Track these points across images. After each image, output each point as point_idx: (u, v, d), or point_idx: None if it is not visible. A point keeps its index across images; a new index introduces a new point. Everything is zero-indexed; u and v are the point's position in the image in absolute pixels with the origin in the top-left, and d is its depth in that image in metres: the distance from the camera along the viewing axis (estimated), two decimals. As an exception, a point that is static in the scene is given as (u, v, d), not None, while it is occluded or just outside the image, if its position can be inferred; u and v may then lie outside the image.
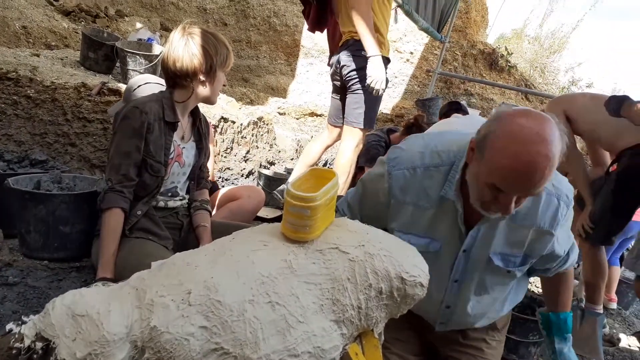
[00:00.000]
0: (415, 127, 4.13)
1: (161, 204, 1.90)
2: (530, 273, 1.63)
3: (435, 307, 1.53)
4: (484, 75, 7.26)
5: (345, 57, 3.01)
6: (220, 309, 0.88)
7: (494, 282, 1.49)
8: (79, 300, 0.83)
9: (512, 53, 7.73)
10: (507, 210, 1.21)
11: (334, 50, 3.29)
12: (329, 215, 1.10)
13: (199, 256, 1.00)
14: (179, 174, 1.92)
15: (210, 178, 2.74)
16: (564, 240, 1.50)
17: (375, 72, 2.80)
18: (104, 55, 3.90)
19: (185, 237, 1.97)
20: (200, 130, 2.00)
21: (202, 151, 2.00)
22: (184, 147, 1.92)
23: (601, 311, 2.91)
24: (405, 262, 1.09)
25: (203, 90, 1.83)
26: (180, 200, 1.97)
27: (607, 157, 3.01)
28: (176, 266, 0.96)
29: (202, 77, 1.78)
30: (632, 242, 3.50)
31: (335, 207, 1.46)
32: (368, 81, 2.83)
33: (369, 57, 2.81)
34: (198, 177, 2.06)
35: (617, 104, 2.30)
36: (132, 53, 3.66)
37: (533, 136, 1.14)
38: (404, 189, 1.41)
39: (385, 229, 1.32)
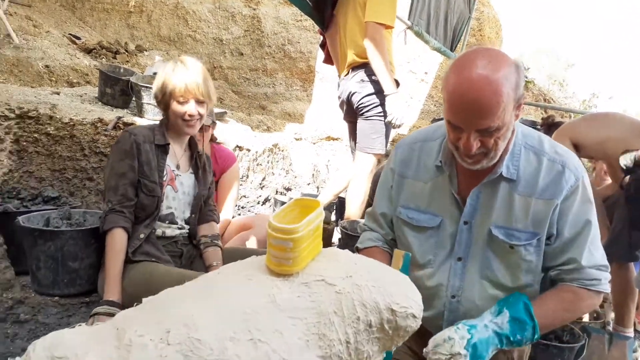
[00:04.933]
0: None
1: (159, 232, 1.91)
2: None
3: (441, 299, 1.43)
4: (501, 91, 7.17)
5: (354, 85, 3.03)
6: (199, 348, 0.87)
7: (501, 265, 1.36)
8: (58, 343, 0.84)
9: (528, 68, 7.65)
10: (468, 149, 1.22)
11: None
12: (314, 246, 1.08)
13: (183, 292, 1.00)
14: (174, 198, 1.95)
15: (227, 216, 2.76)
16: (574, 225, 1.32)
17: (395, 110, 2.91)
18: (120, 90, 4.02)
19: (188, 265, 1.98)
20: (198, 164, 2.04)
21: (201, 183, 2.03)
22: (179, 175, 1.97)
23: (631, 334, 2.79)
24: (395, 292, 1.06)
25: (165, 117, 1.95)
26: (179, 229, 1.98)
27: None
28: (159, 303, 0.96)
29: (159, 105, 1.96)
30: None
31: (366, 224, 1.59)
32: (389, 118, 2.94)
33: (387, 95, 2.91)
34: (203, 210, 2.07)
35: None
36: (146, 87, 3.75)
37: (475, 64, 1.16)
38: (405, 163, 1.49)
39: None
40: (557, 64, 8.93)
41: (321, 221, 1.10)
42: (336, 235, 3.41)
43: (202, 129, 2.79)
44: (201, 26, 8.09)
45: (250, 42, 7.94)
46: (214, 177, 2.91)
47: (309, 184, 4.94)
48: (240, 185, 4.22)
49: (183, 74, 1.86)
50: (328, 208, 3.71)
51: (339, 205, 4.00)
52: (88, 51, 6.65)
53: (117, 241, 1.72)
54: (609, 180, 3.30)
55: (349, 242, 2.96)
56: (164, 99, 1.89)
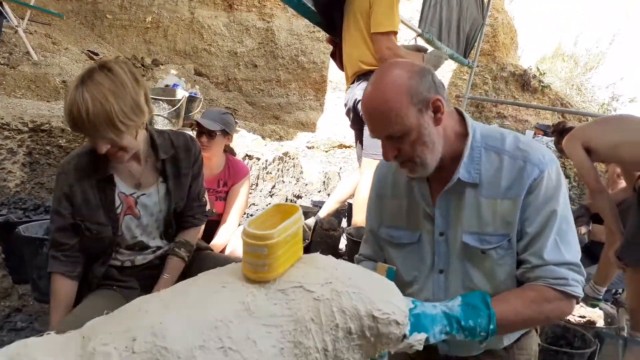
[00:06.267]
0: None
1: (127, 263, 1.69)
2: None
3: None
4: (517, 97, 7.09)
5: (360, 92, 3.02)
6: (166, 356, 0.85)
7: (478, 272, 1.31)
8: (22, 352, 0.83)
9: (544, 73, 7.53)
10: (385, 157, 1.27)
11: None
12: (293, 252, 1.06)
13: (153, 301, 0.98)
14: (138, 226, 1.68)
15: (231, 225, 2.75)
16: (537, 218, 1.23)
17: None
18: (131, 103, 4.06)
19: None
20: (167, 171, 1.69)
21: (172, 192, 1.71)
22: (142, 195, 1.66)
23: (648, 340, 2.68)
24: (377, 298, 1.02)
25: None
26: (153, 252, 1.75)
27: None
28: (128, 311, 0.95)
29: None
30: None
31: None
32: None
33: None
34: (182, 217, 1.79)
35: None
36: (155, 99, 3.79)
37: (374, 78, 1.25)
38: (382, 183, 1.50)
39: None
40: (576, 68, 8.78)
41: (300, 227, 1.07)
42: (343, 242, 3.38)
43: (210, 135, 2.71)
44: (216, 40, 8.20)
45: (264, 54, 8.01)
46: (224, 187, 2.92)
47: (319, 192, 4.93)
48: (250, 193, 4.22)
49: (74, 103, 1.39)
50: (336, 215, 3.68)
51: (350, 211, 3.97)
52: (105, 66, 6.78)
53: (57, 289, 1.56)
54: (623, 184, 3.20)
55: (355, 248, 2.92)
56: None
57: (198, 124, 2.69)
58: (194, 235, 1.84)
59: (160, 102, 3.81)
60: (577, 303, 1.25)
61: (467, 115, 1.37)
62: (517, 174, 1.24)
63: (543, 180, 1.23)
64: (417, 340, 1.05)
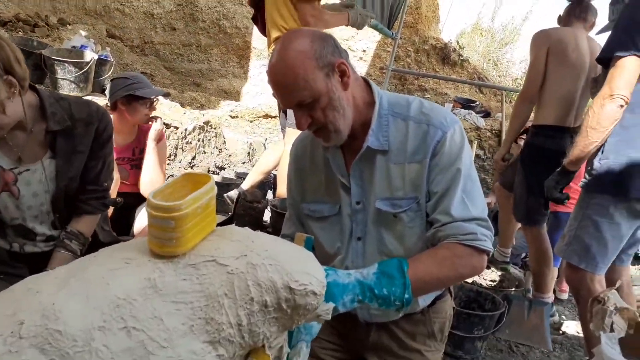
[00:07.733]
0: None
1: (15, 248, 1.55)
2: None
3: None
4: (437, 70, 7.30)
5: None
6: (59, 340, 0.77)
7: (391, 236, 1.34)
8: None
9: (463, 47, 7.79)
10: (299, 126, 1.27)
11: None
12: (205, 224, 0.99)
13: (46, 279, 0.88)
14: (18, 207, 1.52)
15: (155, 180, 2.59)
16: (443, 178, 1.26)
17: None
18: (33, 64, 3.70)
19: None
20: (58, 143, 1.51)
21: (64, 168, 1.53)
22: (24, 171, 1.50)
23: (550, 300, 2.91)
24: (294, 269, 0.99)
25: None
26: (44, 241, 1.59)
27: None
28: (15, 293, 0.85)
29: None
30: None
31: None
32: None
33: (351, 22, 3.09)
34: (74, 202, 1.59)
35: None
36: (60, 61, 3.48)
37: (277, 49, 1.23)
38: (299, 159, 1.50)
39: None
40: (492, 43, 9.17)
41: (213, 197, 1.01)
42: (267, 214, 3.34)
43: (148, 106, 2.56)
44: (130, -1, 7.65)
45: (183, 16, 7.60)
46: (140, 155, 2.73)
47: (244, 163, 4.82)
48: (168, 164, 4.04)
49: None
50: (261, 187, 3.62)
51: (275, 182, 3.92)
52: (3, 24, 6.11)
53: None
54: None
55: (279, 220, 2.89)
56: None
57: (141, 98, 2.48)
58: (88, 225, 1.64)
59: (66, 64, 3.50)
60: (488, 256, 1.28)
61: (373, 84, 1.38)
62: (422, 137, 1.28)
63: (446, 141, 1.27)
64: (324, 310, 1.03)
